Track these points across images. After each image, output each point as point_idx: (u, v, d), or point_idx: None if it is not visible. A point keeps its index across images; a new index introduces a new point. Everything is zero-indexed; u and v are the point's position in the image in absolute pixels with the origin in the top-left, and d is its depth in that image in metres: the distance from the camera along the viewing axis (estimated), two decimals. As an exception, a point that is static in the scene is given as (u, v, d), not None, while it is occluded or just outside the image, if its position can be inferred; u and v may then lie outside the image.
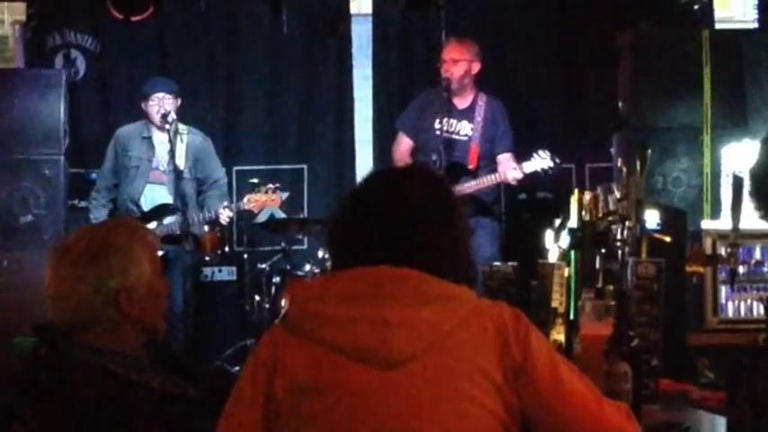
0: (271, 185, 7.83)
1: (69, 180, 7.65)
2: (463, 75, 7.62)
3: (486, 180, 7.48)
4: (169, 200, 7.73)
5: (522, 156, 7.55)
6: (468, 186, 7.43)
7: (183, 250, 7.53)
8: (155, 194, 7.81)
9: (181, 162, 7.60)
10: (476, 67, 7.69)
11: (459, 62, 7.61)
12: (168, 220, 7.65)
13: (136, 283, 2.86)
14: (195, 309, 7.99)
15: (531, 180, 7.65)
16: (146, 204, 7.78)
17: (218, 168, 8.12)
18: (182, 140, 7.63)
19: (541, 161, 7.40)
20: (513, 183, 7.48)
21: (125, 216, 7.54)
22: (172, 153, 7.55)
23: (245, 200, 7.80)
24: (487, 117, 7.65)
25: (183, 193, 7.64)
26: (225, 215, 7.74)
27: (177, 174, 7.60)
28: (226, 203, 7.86)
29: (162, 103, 7.71)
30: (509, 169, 7.44)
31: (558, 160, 7.44)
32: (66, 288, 2.82)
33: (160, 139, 7.83)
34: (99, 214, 7.80)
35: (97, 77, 8.84)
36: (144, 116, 7.88)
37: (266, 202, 7.84)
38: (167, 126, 7.59)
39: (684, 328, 4.40)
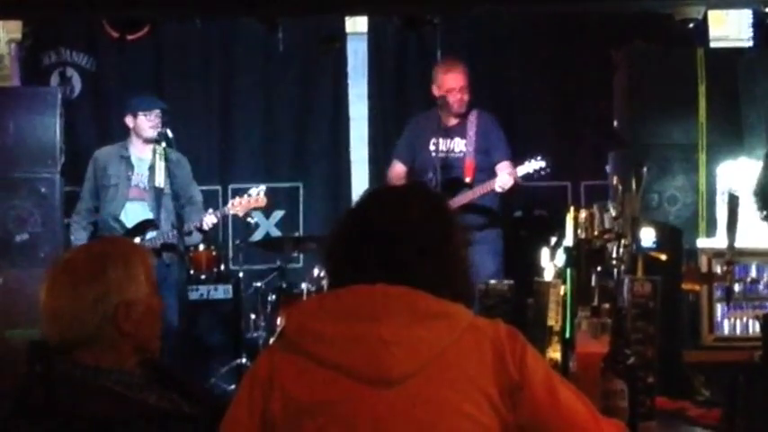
0: (254, 188, 7.89)
1: (65, 198, 7.65)
2: (466, 97, 7.66)
3: (481, 188, 7.46)
4: (149, 215, 7.76)
5: (517, 164, 7.52)
6: (465, 196, 7.42)
7: (165, 265, 7.59)
8: (135, 211, 7.84)
9: (162, 179, 7.65)
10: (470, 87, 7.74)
11: (463, 88, 7.65)
12: (151, 234, 7.67)
13: (134, 300, 2.86)
14: (190, 327, 8.01)
15: (525, 191, 7.65)
16: (126, 220, 7.80)
17: (194, 187, 8.15)
18: (162, 158, 7.67)
19: (534, 163, 7.38)
20: (503, 188, 7.41)
21: (108, 234, 7.58)
22: (157, 169, 7.64)
23: (230, 204, 7.92)
24: (479, 130, 7.67)
25: (167, 207, 7.70)
26: (208, 221, 7.74)
27: (158, 189, 7.70)
28: (210, 210, 7.87)
29: (156, 121, 7.77)
30: (502, 174, 7.41)
31: (549, 164, 7.41)
32: (64, 305, 2.82)
33: (140, 157, 7.92)
34: (80, 236, 7.83)
35: (93, 95, 8.85)
36: (127, 131, 7.92)
37: (250, 204, 7.88)
38: (163, 143, 7.65)
39: (680, 346, 4.40)
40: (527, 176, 7.43)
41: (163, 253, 7.65)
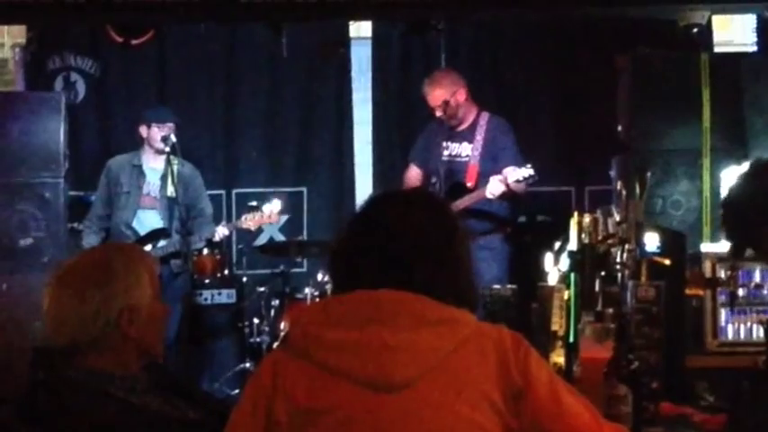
0: (268, 204, 7.92)
1: (69, 203, 7.65)
2: (455, 109, 7.64)
3: (476, 194, 7.45)
4: (161, 224, 7.82)
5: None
6: (461, 202, 7.41)
7: (172, 272, 7.63)
8: (147, 219, 7.95)
9: (174, 189, 7.70)
10: (461, 95, 7.69)
11: (447, 102, 7.62)
12: (162, 243, 7.71)
13: (137, 305, 2.86)
14: (194, 331, 8.00)
15: (522, 198, 7.64)
16: (139, 228, 7.89)
17: (205, 199, 8.19)
18: (172, 168, 7.71)
19: (524, 170, 7.36)
20: (493, 194, 7.38)
21: (120, 241, 7.61)
22: (170, 177, 7.70)
23: (243, 218, 7.96)
24: (488, 136, 7.65)
25: (177, 216, 7.72)
26: (220, 233, 7.84)
27: (170, 198, 7.77)
28: (223, 223, 7.96)
29: (169, 134, 7.81)
30: (493, 180, 7.39)
31: (535, 172, 7.38)
32: (68, 310, 2.82)
33: (152, 167, 8.01)
34: (91, 240, 7.91)
35: (97, 100, 8.86)
36: (140, 140, 7.96)
37: (263, 221, 7.92)
38: (167, 149, 7.68)
39: (684, 351, 4.39)
40: (517, 183, 7.39)
41: (171, 261, 7.69)
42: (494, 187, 7.34)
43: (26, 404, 2.78)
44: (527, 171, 7.34)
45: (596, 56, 8.25)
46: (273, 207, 7.98)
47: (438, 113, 7.65)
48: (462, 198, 7.45)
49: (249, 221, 7.91)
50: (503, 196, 7.43)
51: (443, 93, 7.66)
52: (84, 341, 2.82)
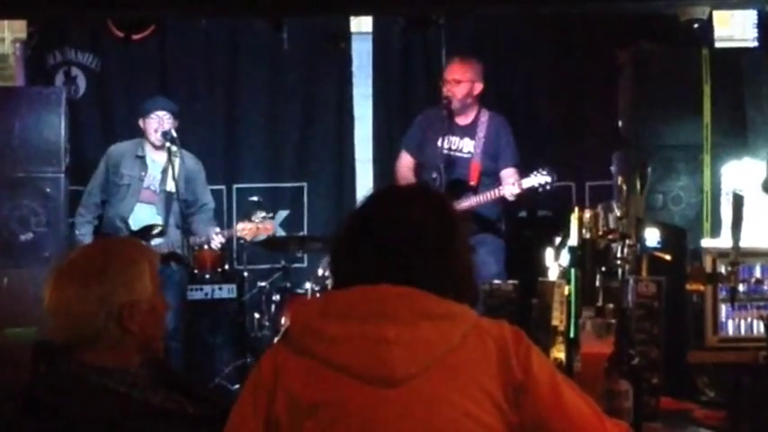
0: (263, 213, 7.88)
1: (69, 197, 7.65)
2: (465, 95, 7.59)
3: (486, 195, 7.43)
4: (157, 220, 7.79)
5: (523, 173, 7.47)
6: (469, 202, 7.41)
7: (171, 269, 7.59)
8: (143, 214, 7.86)
9: (173, 184, 7.65)
10: (478, 88, 7.64)
11: (461, 83, 7.57)
12: (156, 240, 7.65)
13: (139, 300, 2.86)
14: (195, 326, 8.00)
15: (530, 197, 7.60)
16: (134, 223, 7.80)
17: (207, 193, 8.16)
18: (175, 161, 7.66)
19: (540, 177, 7.33)
20: (511, 198, 7.38)
21: (112, 233, 7.57)
22: (170, 172, 7.65)
23: (239, 227, 7.91)
24: (489, 133, 7.62)
25: (174, 212, 7.70)
26: (217, 241, 7.80)
27: (169, 193, 7.71)
28: (218, 230, 7.89)
29: (162, 122, 7.77)
30: (508, 185, 7.38)
31: (555, 176, 7.36)
32: (70, 304, 2.81)
33: (153, 159, 7.91)
34: (85, 231, 7.83)
35: (98, 95, 8.86)
36: (140, 133, 7.92)
37: (258, 231, 7.89)
38: (167, 144, 7.65)
39: (684, 347, 4.40)
40: (530, 189, 7.36)
41: (180, 259, 7.67)
42: (512, 191, 7.28)
43: (27, 399, 2.77)
44: (543, 178, 7.30)
45: (597, 51, 8.25)
46: (269, 218, 7.95)
47: (449, 88, 7.59)
48: (469, 198, 7.42)
49: (245, 231, 7.87)
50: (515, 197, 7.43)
51: (468, 74, 7.63)
52: (85, 335, 2.82)
